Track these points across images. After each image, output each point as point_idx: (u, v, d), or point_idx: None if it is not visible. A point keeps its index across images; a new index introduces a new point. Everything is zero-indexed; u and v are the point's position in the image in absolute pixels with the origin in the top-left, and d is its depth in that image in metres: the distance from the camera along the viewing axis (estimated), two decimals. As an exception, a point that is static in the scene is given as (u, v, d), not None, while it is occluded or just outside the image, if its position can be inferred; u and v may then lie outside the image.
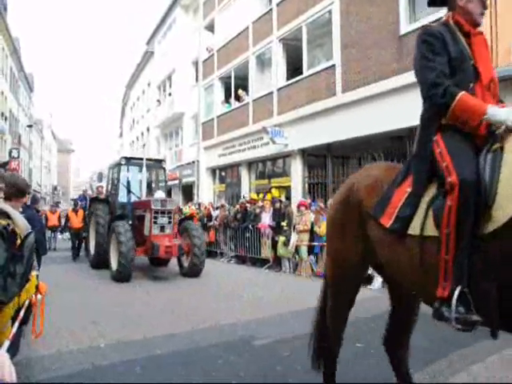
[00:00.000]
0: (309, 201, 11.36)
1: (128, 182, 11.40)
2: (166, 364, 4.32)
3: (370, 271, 8.56)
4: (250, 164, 16.98)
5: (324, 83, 12.65)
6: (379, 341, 4.90)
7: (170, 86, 25.17)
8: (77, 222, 13.53)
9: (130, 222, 9.93)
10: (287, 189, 14.22)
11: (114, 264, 9.13)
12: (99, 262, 10.42)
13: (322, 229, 9.95)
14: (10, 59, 30.92)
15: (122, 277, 8.78)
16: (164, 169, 11.78)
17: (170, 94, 25.22)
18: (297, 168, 13.98)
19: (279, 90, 14.83)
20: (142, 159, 11.20)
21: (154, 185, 12.09)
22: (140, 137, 33.54)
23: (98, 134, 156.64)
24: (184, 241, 9.74)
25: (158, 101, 27.31)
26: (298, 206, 10.69)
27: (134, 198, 10.98)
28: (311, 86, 13.19)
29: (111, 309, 6.64)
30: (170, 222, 9.70)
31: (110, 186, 11.81)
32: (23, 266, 2.50)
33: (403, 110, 9.85)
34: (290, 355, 4.56)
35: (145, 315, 6.23)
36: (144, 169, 10.77)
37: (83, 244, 13.42)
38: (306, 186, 13.73)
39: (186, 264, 9.86)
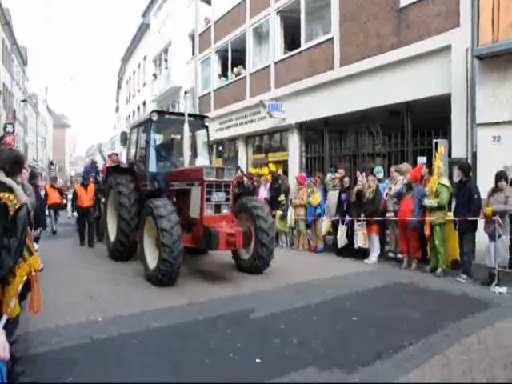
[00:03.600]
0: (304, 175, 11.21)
1: (162, 146, 9.12)
2: (163, 337, 4.33)
3: (367, 245, 8.69)
4: (248, 138, 16.81)
5: (322, 57, 12.40)
6: (373, 314, 5.08)
7: (167, 59, 24.67)
8: (87, 199, 10.89)
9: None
10: (284, 163, 14.14)
11: (150, 261, 6.69)
12: (122, 253, 8.44)
13: (315, 199, 9.95)
14: (2, 31, 30.11)
15: (164, 279, 6.31)
16: (207, 128, 9.09)
17: (166, 68, 24.75)
18: (294, 142, 13.77)
19: (277, 63, 14.55)
20: (180, 114, 8.75)
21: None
22: (136, 111, 33.12)
23: (94, 109, 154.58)
24: (242, 224, 7.36)
25: (154, 75, 26.83)
26: (298, 181, 10.65)
27: (163, 167, 8.51)
28: (309, 59, 12.94)
29: (109, 284, 6.69)
30: (227, 200, 7.07)
31: (134, 152, 9.14)
32: (17, 239, 2.46)
33: (401, 84, 9.82)
34: (287, 328, 4.63)
35: (142, 290, 6.26)
36: (186, 126, 7.94)
37: (94, 227, 11.16)
38: (304, 160, 13.53)
39: (245, 256, 7.56)
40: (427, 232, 7.44)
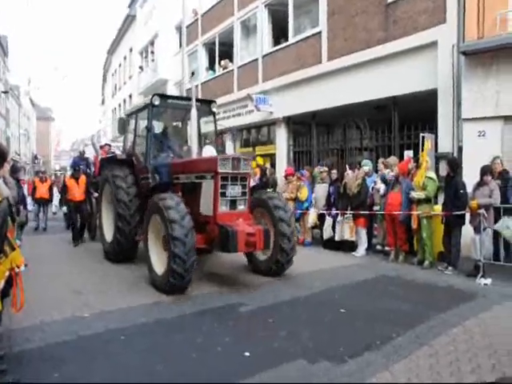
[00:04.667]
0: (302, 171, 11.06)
1: (164, 134, 8.35)
2: (150, 332, 4.29)
3: (354, 238, 8.73)
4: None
5: (310, 50, 12.36)
6: (361, 307, 5.11)
7: (153, 51, 24.36)
8: (79, 192, 9.97)
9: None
10: (272, 157, 14.14)
11: (157, 265, 5.97)
12: (119, 254, 7.63)
13: (302, 194, 9.97)
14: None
15: (177, 283, 5.51)
16: (214, 114, 8.22)
17: (152, 60, 24.44)
18: (282, 136, 13.76)
19: (264, 56, 14.47)
20: (185, 99, 8.12)
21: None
22: (122, 104, 32.68)
23: (79, 103, 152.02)
24: (259, 221, 6.73)
25: (141, 67, 26.48)
26: (286, 175, 10.64)
27: (165, 158, 7.73)
28: (297, 53, 12.89)
29: (95, 279, 6.51)
30: (244, 194, 6.37)
31: (132, 142, 8.28)
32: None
33: (388, 79, 9.86)
34: (275, 321, 4.61)
35: (129, 285, 6.16)
36: (194, 111, 7.18)
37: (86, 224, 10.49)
38: (291, 153, 13.53)
39: (261, 257, 6.88)
40: (414, 225, 7.50)
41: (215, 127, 8.32)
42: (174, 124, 8.80)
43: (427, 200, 7.41)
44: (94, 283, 6.24)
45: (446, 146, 8.66)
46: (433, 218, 7.45)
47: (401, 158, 9.21)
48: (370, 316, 4.77)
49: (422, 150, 7.80)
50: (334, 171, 9.63)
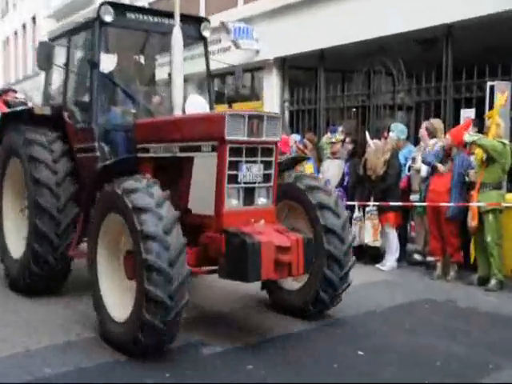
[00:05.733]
0: (295, 137, 11.11)
1: (119, 75, 7.53)
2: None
3: (380, 243, 8.56)
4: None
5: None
6: (392, 347, 5.10)
7: None
8: None
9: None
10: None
11: (117, 311, 5.26)
12: (41, 282, 6.83)
13: (305, 170, 9.64)
14: None
15: (145, 350, 4.87)
16: (206, 42, 7.71)
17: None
18: (272, 87, 13.60)
19: (247, -36, 14.40)
20: (158, 14, 7.33)
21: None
22: (21, 31, 32.01)
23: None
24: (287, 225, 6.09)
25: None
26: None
27: (123, 116, 7.09)
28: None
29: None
30: (268, 178, 5.68)
31: (63, 85, 7.52)
32: None
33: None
34: (255, 367, 4.62)
35: (58, 338, 5.50)
36: (178, 35, 6.47)
37: None
38: (287, 113, 13.48)
39: (291, 286, 6.26)
40: (473, 223, 7.36)
41: (207, 64, 7.75)
42: (137, 58, 8.16)
43: (495, 184, 7.32)
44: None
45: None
46: (504, 213, 7.38)
47: (456, 120, 9.19)
48: (403, 361, 4.81)
49: (491, 107, 7.68)
50: (348, 140, 9.58)
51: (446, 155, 7.83)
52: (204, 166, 5.61)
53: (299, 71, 13.54)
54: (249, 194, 5.52)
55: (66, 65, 7.27)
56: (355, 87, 11.93)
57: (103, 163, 6.05)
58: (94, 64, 6.70)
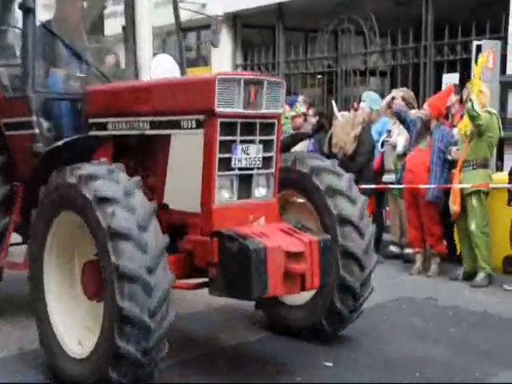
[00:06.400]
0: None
1: (61, 27, 6.65)
2: None
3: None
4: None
5: None
6: (369, 352, 5.21)
7: None
8: None
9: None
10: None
11: (73, 344, 4.86)
12: None
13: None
14: None
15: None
16: None
17: None
18: (223, 49, 13.42)
19: None
20: None
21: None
22: None
23: None
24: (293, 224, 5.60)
25: None
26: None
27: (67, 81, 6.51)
28: None
29: None
30: (268, 163, 5.23)
31: None
32: None
33: None
34: None
35: None
36: None
37: None
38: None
39: (293, 300, 5.78)
40: (455, 207, 7.40)
41: (176, 14, 7.13)
42: (82, 5, 7.54)
43: (481, 162, 7.34)
44: None
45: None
46: (490, 196, 7.45)
47: (437, 86, 9.28)
48: (377, 371, 4.80)
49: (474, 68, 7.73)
50: (311, 112, 9.60)
51: (424, 128, 7.83)
52: (184, 148, 5.24)
53: (254, 30, 13.64)
54: (245, 184, 5.05)
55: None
56: (320, 49, 11.91)
57: (50, 146, 5.37)
58: (28, 10, 5.87)
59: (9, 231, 5.99)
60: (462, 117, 7.62)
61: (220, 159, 4.71)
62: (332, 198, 5.38)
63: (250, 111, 4.78)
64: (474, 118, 7.00)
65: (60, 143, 5.24)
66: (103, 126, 5.61)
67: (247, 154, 4.90)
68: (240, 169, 4.89)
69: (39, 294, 4.89)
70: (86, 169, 4.49)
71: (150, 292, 4.04)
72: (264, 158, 5.00)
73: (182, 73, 6.89)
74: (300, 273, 4.63)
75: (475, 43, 8.35)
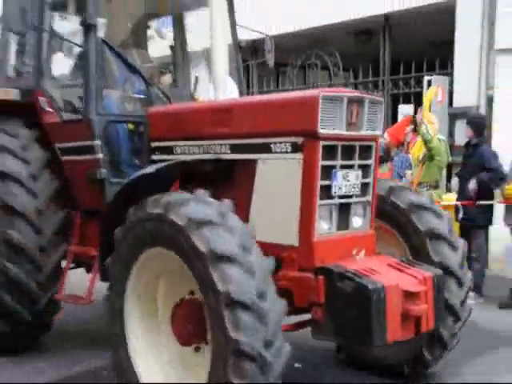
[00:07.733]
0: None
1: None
2: None
3: None
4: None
5: None
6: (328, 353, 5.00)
7: None
8: None
9: None
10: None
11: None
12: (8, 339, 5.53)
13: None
14: None
15: None
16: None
17: None
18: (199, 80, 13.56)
19: None
20: None
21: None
22: None
23: None
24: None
25: None
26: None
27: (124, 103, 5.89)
28: None
29: None
30: (366, 190, 4.53)
31: (36, 58, 5.70)
32: None
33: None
34: None
35: None
36: None
37: None
38: None
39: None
40: None
41: (233, 32, 6.63)
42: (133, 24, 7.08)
43: (432, 183, 7.63)
44: None
45: (466, 95, 8.83)
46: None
47: (394, 117, 9.49)
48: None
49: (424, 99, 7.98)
50: None
51: (385, 155, 7.91)
52: (275, 174, 4.36)
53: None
54: (343, 214, 4.40)
55: (39, 28, 5.59)
56: (290, 81, 12.21)
57: (137, 174, 4.45)
58: (90, 26, 5.12)
59: (67, 264, 5.45)
60: (414, 144, 7.87)
61: (322, 187, 4.13)
62: (433, 243, 4.72)
63: (351, 133, 4.21)
64: (427, 141, 7.23)
65: (150, 170, 4.36)
66: (170, 150, 5.02)
67: (347, 181, 4.29)
68: (340, 197, 4.28)
69: (121, 333, 4.19)
70: (196, 209, 3.73)
71: (264, 320, 3.39)
72: (362, 184, 4.41)
73: (241, 93, 6.36)
74: (416, 314, 3.99)
75: (426, 78, 8.63)
